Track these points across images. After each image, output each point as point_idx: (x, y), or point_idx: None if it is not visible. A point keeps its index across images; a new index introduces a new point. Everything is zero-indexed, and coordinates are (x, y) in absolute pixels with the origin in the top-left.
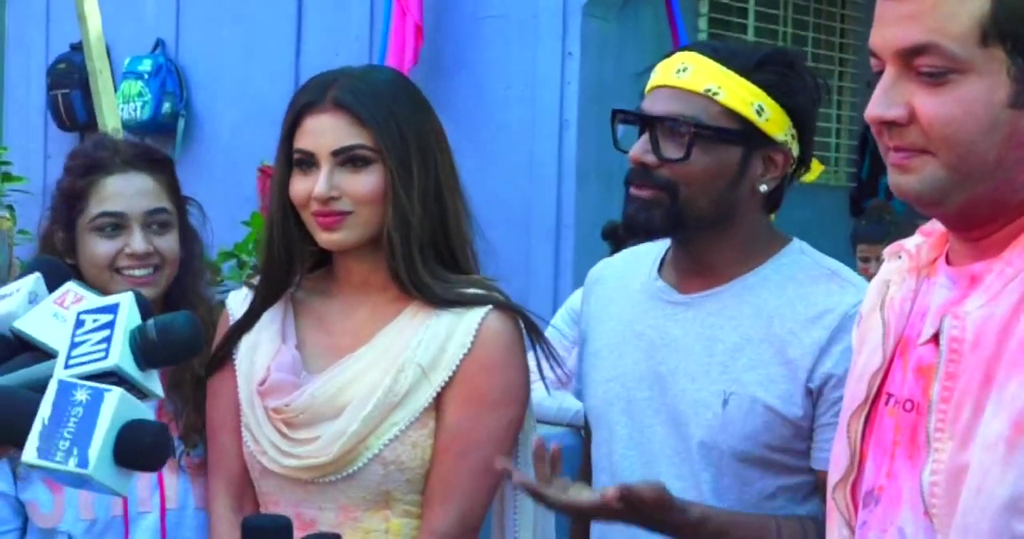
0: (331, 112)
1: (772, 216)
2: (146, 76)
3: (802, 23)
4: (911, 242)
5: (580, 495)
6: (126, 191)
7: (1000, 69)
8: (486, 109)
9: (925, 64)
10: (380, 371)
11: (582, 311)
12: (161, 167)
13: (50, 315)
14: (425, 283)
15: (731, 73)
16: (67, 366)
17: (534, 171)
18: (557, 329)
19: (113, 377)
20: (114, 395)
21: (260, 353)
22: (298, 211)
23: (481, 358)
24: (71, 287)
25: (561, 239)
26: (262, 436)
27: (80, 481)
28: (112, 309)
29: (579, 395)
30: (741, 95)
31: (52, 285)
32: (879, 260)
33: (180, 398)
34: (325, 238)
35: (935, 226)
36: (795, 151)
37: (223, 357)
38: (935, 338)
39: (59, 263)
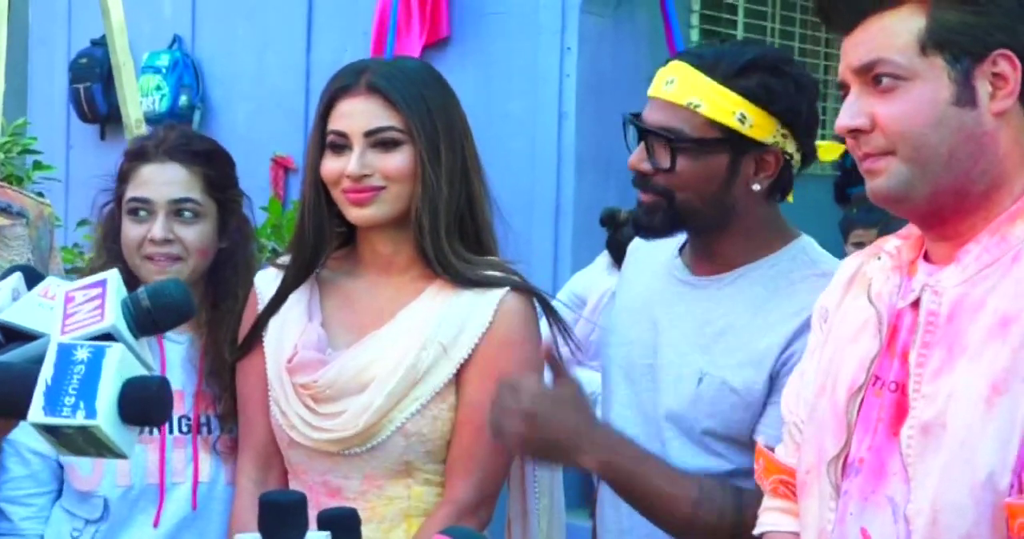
0: (364, 95)
1: (790, 198)
2: (164, 70)
3: (790, 20)
4: (890, 244)
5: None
6: (156, 179)
7: (941, 74)
8: (489, 101)
9: (877, 74)
10: (403, 348)
11: (622, 273)
12: (201, 159)
13: (36, 305)
14: (450, 261)
15: (713, 83)
16: (63, 332)
17: (535, 160)
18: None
19: (110, 341)
20: (115, 350)
21: (287, 331)
22: (329, 190)
23: (499, 336)
24: (53, 280)
25: (560, 224)
26: (291, 411)
27: (85, 444)
28: (100, 284)
29: (600, 348)
30: (722, 105)
31: (31, 287)
32: None
33: (219, 384)
34: (356, 213)
35: (911, 230)
36: (790, 147)
37: (253, 337)
38: (914, 305)
39: (36, 269)
